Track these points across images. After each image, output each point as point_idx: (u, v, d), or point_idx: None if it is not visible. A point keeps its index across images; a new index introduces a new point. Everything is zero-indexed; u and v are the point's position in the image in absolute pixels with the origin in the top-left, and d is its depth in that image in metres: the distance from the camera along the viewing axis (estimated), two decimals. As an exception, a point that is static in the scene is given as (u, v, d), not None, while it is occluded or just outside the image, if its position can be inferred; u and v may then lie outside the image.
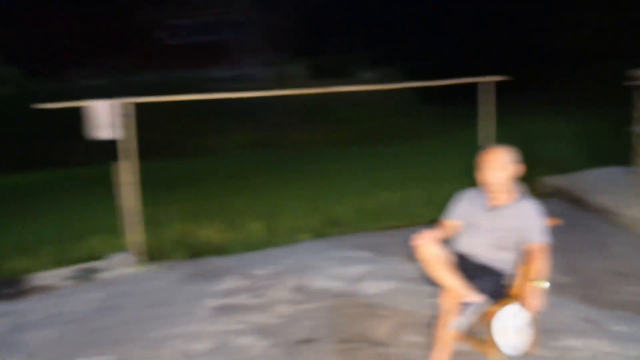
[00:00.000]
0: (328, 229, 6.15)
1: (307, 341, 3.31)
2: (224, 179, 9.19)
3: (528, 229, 2.78)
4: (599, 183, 6.76)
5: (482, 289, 2.66)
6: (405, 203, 6.83)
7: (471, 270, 2.79)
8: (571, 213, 5.91)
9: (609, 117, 12.36)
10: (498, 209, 2.87)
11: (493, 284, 2.73)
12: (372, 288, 4.10)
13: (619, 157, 8.40)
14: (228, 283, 4.46)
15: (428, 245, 2.78)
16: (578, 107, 15.27)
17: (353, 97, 16.42)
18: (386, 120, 15.48)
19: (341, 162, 9.82)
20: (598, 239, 4.94)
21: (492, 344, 2.74)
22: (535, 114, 14.49)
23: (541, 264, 2.70)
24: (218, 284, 4.46)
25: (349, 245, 5.30)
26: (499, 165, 2.80)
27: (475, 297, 2.55)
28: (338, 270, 4.56)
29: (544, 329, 3.22)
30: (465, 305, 2.51)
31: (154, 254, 5.48)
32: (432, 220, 6.40)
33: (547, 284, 2.66)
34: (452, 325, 2.48)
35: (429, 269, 2.72)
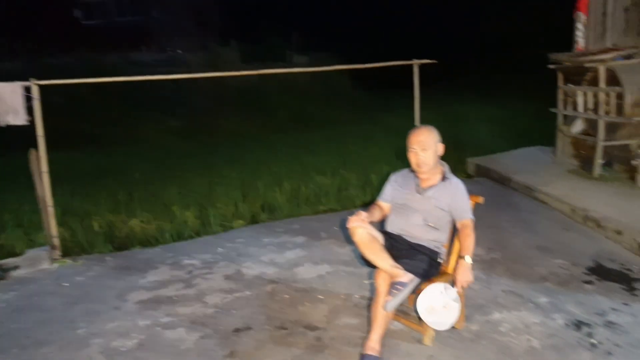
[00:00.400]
0: (263, 215, 6.04)
1: (242, 330, 3.21)
2: (154, 168, 8.80)
3: (456, 207, 2.83)
4: (522, 163, 7.10)
5: (414, 269, 2.67)
6: (340, 187, 6.83)
7: (404, 250, 2.81)
8: (496, 192, 6.16)
9: (534, 100, 13.06)
10: (428, 190, 2.89)
11: (425, 263, 2.76)
12: (307, 273, 4.06)
13: (543, 137, 8.90)
14: (157, 275, 4.25)
15: (362, 227, 2.76)
16: (505, 91, 16.02)
17: (287, 83, 16.25)
18: (321, 106, 15.46)
19: (276, 148, 9.69)
20: (522, 215, 5.18)
21: (422, 321, 2.77)
22: (465, 98, 15.04)
23: (468, 241, 2.76)
24: (146, 276, 4.24)
25: (284, 231, 5.23)
26: (425, 145, 2.82)
27: (407, 277, 2.55)
28: (273, 256, 4.48)
29: (472, 304, 3.33)
30: (398, 285, 2.51)
31: (77, 247, 5.15)
32: (366, 203, 6.52)
33: (470, 260, 2.72)
34: (386, 305, 2.48)
35: (363, 250, 2.70)
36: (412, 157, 2.89)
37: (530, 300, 3.33)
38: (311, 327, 3.17)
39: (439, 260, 2.89)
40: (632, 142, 5.99)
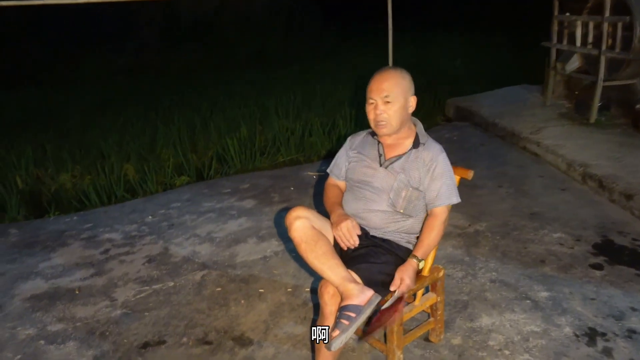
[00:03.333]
0: (211, 168, 5.17)
1: (151, 345, 2.43)
2: (90, 113, 7.72)
3: (430, 188, 2.01)
4: (507, 105, 6.27)
5: (375, 279, 1.88)
6: (299, 134, 5.94)
7: (362, 248, 2.00)
8: (479, 140, 5.37)
9: (517, 32, 12.06)
10: (394, 161, 2.05)
11: (391, 267, 1.96)
12: (249, 253, 3.26)
13: (528, 75, 8.04)
14: (65, 255, 3.41)
15: (303, 218, 1.93)
16: (486, 22, 14.91)
17: (248, 15, 14.77)
18: (284, 41, 14.13)
19: (232, 88, 8.61)
20: (509, 171, 4.41)
21: (392, 346, 2.02)
22: (441, 31, 13.90)
23: (431, 236, 1.99)
24: (51, 257, 3.40)
25: (230, 192, 4.38)
26: (390, 96, 1.95)
27: (364, 297, 1.76)
28: (211, 228, 3.66)
29: (454, 300, 2.60)
30: (349, 312, 1.72)
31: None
32: (332, 152, 5.68)
33: (422, 264, 1.98)
34: (330, 345, 1.70)
35: (304, 253, 1.89)
36: (370, 112, 2.02)
37: (526, 295, 2.60)
38: (242, 341, 2.40)
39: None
40: (636, 83, 5.20)
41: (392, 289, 1.87)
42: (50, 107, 8.58)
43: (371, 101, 2.00)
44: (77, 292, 2.94)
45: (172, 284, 2.96)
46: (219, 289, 2.87)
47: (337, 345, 1.68)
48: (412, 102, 2.03)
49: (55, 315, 2.71)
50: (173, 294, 2.86)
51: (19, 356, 2.40)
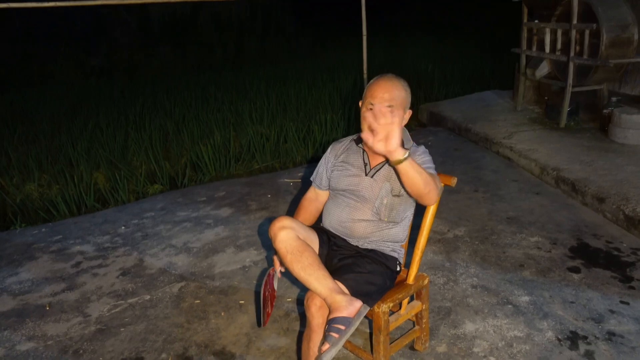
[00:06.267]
0: (185, 176, 5.06)
1: (128, 361, 2.34)
2: (60, 116, 7.47)
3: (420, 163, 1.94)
4: (479, 110, 6.37)
5: (362, 290, 1.85)
6: (274, 140, 5.89)
7: (348, 258, 1.97)
8: (453, 144, 5.43)
9: (487, 38, 12.29)
10: (380, 168, 2.03)
11: (378, 277, 1.93)
12: (227, 263, 3.19)
13: (498, 80, 8.20)
14: (33, 269, 3.27)
15: (288, 228, 1.88)
16: (458, 28, 15.17)
17: (224, 16, 14.66)
18: (260, 42, 14.07)
19: (204, 91, 8.49)
20: (485, 176, 4.47)
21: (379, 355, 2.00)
22: (413, 36, 14.09)
23: (423, 172, 1.75)
24: (18, 271, 3.25)
25: (205, 200, 4.29)
26: (399, 101, 1.91)
27: (352, 309, 1.72)
28: (187, 238, 3.57)
29: (437, 307, 2.59)
30: (338, 324, 1.68)
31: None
32: (308, 160, 5.65)
33: (403, 157, 1.61)
34: (322, 358, 1.65)
35: (290, 264, 1.84)
36: (368, 118, 1.93)
37: (508, 299, 2.62)
38: (224, 356, 2.33)
39: (397, 268, 2.08)
40: (603, 88, 5.35)
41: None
42: (16, 110, 8.26)
43: (370, 107, 1.93)
44: (47, 308, 2.82)
45: (148, 297, 2.86)
46: (198, 301, 2.79)
47: (327, 359, 1.64)
48: (407, 115, 2.00)
49: (25, 333, 2.59)
50: (150, 307, 2.76)
51: (-14, 378, 2.27)
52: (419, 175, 1.70)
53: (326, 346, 1.65)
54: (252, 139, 5.90)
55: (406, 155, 1.61)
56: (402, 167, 1.64)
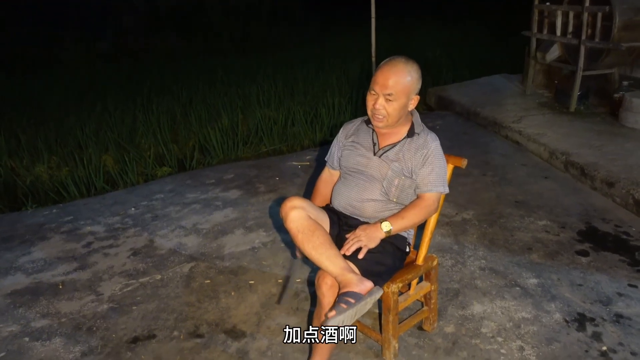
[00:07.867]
0: (193, 159, 5.08)
1: (141, 339, 2.38)
2: (70, 99, 7.49)
3: (423, 175, 1.98)
4: (488, 94, 6.33)
5: (373, 269, 1.86)
6: (282, 123, 5.88)
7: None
8: (462, 129, 5.41)
9: (495, 21, 12.14)
10: (388, 149, 2.03)
11: (389, 257, 1.95)
12: (237, 244, 3.22)
13: (506, 64, 8.11)
14: (45, 249, 3.31)
15: (299, 208, 1.90)
16: (465, 10, 14.99)
17: (227, 1, 14.54)
18: (267, 27, 13.98)
19: (212, 75, 8.47)
20: (493, 160, 4.46)
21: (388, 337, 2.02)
22: (421, 19, 13.94)
23: (414, 211, 1.97)
24: (31, 251, 3.30)
25: (214, 182, 4.32)
26: (394, 93, 1.91)
27: (363, 286, 1.74)
28: (196, 220, 3.60)
29: (445, 289, 2.61)
30: (347, 297, 1.70)
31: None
32: (314, 144, 5.65)
33: (388, 231, 1.95)
34: (326, 322, 1.66)
35: (301, 243, 1.86)
36: (370, 102, 1.99)
37: (516, 282, 2.64)
38: (235, 334, 2.37)
39: (406, 249, 2.09)
40: (614, 72, 5.30)
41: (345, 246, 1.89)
42: (25, 94, 8.30)
43: (373, 92, 1.94)
44: (60, 287, 2.86)
45: (159, 277, 2.90)
46: (208, 281, 2.83)
47: (332, 323, 1.66)
48: (414, 100, 1.99)
49: (39, 311, 2.64)
50: (161, 287, 2.80)
51: (2, 354, 2.32)
52: (411, 222, 1.96)
53: (333, 313, 1.67)
54: (260, 122, 5.90)
55: (389, 228, 1.92)
56: (395, 231, 1.95)
